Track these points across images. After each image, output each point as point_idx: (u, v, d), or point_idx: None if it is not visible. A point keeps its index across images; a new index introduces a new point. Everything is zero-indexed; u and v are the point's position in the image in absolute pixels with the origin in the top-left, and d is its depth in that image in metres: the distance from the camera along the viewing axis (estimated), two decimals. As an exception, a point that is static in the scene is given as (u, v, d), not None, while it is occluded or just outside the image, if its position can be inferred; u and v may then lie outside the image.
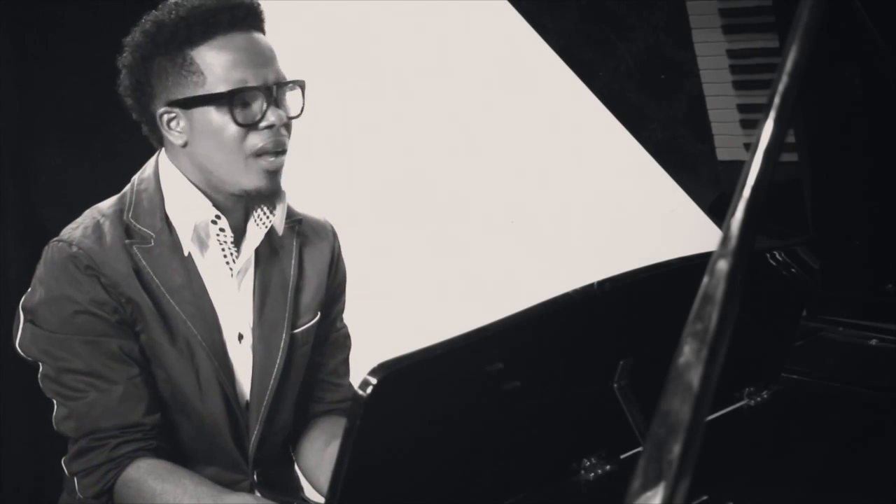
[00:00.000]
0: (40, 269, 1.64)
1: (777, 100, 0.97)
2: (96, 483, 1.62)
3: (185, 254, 1.63)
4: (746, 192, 0.94)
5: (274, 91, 1.59)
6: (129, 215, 1.64)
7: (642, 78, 1.85)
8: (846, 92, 1.66)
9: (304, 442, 1.85)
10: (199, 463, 1.70)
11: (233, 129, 1.57)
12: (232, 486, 1.70)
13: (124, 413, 1.61)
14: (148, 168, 1.69)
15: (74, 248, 1.60)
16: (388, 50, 2.96)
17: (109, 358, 1.60)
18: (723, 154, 1.87)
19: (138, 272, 1.61)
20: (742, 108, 1.80)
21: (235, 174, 1.60)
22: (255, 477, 1.73)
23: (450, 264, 2.94)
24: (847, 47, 1.53)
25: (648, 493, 0.83)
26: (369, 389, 1.06)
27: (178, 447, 1.70)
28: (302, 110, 1.64)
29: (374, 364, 1.09)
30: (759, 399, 1.62)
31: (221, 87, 1.56)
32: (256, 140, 1.58)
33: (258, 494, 1.68)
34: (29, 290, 1.65)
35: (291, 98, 1.63)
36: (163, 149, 1.69)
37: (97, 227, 1.63)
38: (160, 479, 1.60)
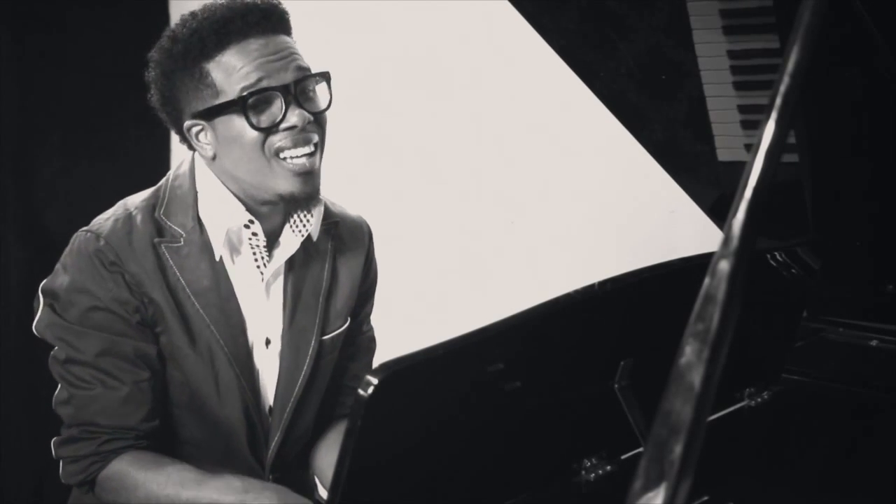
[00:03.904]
0: (66, 257, 1.63)
1: (778, 101, 0.98)
2: (79, 472, 1.63)
3: (217, 258, 1.62)
4: (748, 192, 0.94)
5: (293, 89, 1.55)
6: (161, 212, 1.63)
7: (643, 78, 1.85)
8: (847, 93, 1.66)
9: (320, 444, 1.84)
10: (214, 464, 1.69)
11: (252, 133, 1.54)
12: None
13: (123, 415, 1.61)
14: (184, 164, 1.68)
15: (102, 242, 1.59)
16: (385, 50, 2.96)
17: (121, 358, 1.60)
18: (723, 155, 1.87)
19: (164, 272, 1.60)
20: (743, 109, 1.80)
21: (265, 179, 1.57)
22: (270, 481, 1.72)
23: (449, 264, 2.94)
24: (848, 48, 1.53)
25: (650, 494, 0.83)
26: (370, 389, 1.06)
27: (192, 447, 1.70)
28: (330, 102, 1.60)
29: (375, 364, 1.09)
30: (759, 400, 1.62)
31: (235, 92, 1.53)
32: (276, 141, 1.55)
33: (245, 477, 1.66)
34: (52, 274, 1.64)
35: (318, 92, 1.60)
36: None
37: (128, 219, 1.62)
38: (143, 469, 1.60)
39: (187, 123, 1.58)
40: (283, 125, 1.54)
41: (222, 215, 1.62)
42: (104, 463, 1.62)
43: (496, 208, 2.85)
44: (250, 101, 1.53)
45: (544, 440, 1.34)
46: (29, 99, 3.05)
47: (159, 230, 1.62)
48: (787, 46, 1.00)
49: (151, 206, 1.63)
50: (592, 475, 1.38)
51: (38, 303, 1.64)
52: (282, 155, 1.56)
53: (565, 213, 2.76)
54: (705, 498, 1.35)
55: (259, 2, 1.57)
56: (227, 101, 1.54)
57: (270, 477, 1.73)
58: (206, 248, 1.62)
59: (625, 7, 1.77)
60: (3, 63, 2.98)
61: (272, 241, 1.66)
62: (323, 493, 1.86)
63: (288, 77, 1.55)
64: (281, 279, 1.70)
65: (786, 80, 0.98)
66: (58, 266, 1.64)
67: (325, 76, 1.59)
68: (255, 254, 1.65)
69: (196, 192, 1.63)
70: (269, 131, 1.54)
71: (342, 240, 1.78)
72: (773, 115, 0.97)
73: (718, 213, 1.95)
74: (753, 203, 0.94)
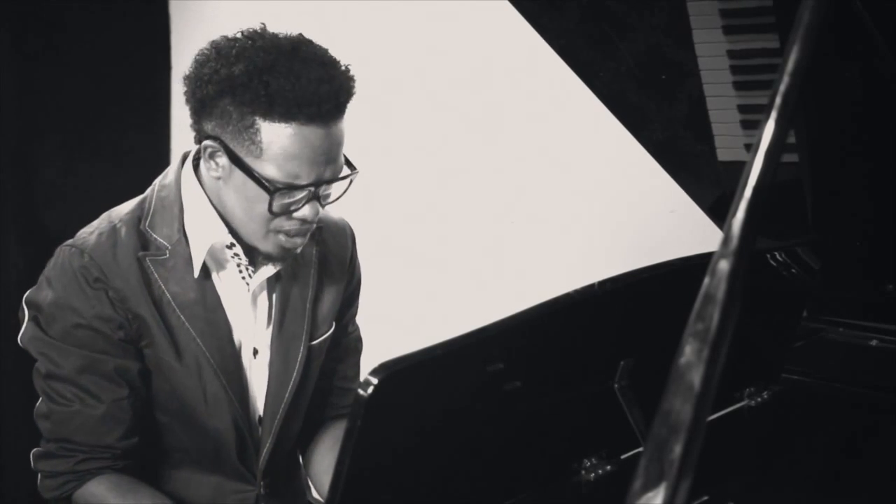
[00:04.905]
0: (50, 271, 1.61)
1: (778, 100, 0.98)
2: (55, 489, 1.63)
3: (196, 274, 1.60)
4: (748, 192, 0.94)
5: (322, 188, 1.53)
6: (146, 224, 1.60)
7: (643, 78, 1.85)
8: (847, 92, 1.66)
9: (314, 447, 1.84)
10: (204, 471, 1.69)
11: (264, 210, 1.51)
12: (236, 495, 1.71)
13: (101, 433, 1.60)
14: (170, 174, 1.65)
15: (86, 258, 1.57)
16: (385, 49, 2.96)
17: (101, 377, 1.59)
18: (723, 155, 1.87)
19: (149, 285, 1.58)
20: (743, 109, 1.80)
21: (253, 239, 1.58)
22: (261, 489, 1.73)
23: (449, 264, 2.94)
24: (847, 47, 1.53)
25: (650, 494, 0.83)
26: (370, 389, 1.06)
27: (182, 455, 1.70)
28: (341, 195, 1.59)
29: (375, 364, 1.09)
30: (759, 399, 1.62)
31: (273, 173, 1.48)
32: (283, 224, 1.54)
33: None
34: (35, 286, 1.63)
35: (336, 186, 1.58)
36: (188, 158, 1.64)
37: (113, 233, 1.60)
38: (121, 496, 1.60)
39: (208, 143, 1.53)
40: (297, 215, 1.53)
41: (205, 231, 1.60)
42: (79, 483, 1.62)
43: (496, 208, 2.85)
44: (281, 189, 1.50)
45: (544, 440, 1.34)
46: (29, 99, 3.05)
47: (144, 243, 1.59)
48: (787, 46, 1.00)
49: (136, 219, 1.61)
50: (592, 475, 1.38)
51: (23, 314, 1.64)
52: (281, 235, 1.56)
53: (565, 213, 2.76)
54: (705, 498, 1.35)
55: (341, 88, 1.50)
56: (260, 176, 1.49)
57: (262, 483, 1.72)
58: (192, 260, 1.60)
59: (625, 7, 1.77)
60: (3, 63, 2.98)
61: (255, 253, 1.64)
62: (316, 495, 1.86)
63: (325, 176, 1.52)
64: (266, 289, 1.69)
65: (786, 79, 0.98)
66: (41, 279, 1.62)
67: (353, 177, 1.57)
68: (238, 266, 1.64)
69: (182, 204, 1.61)
70: (279, 214, 1.53)
71: (326, 244, 1.76)
72: (773, 115, 0.97)
73: (718, 213, 1.95)
74: (753, 203, 0.94)
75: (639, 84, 1.87)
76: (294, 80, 1.46)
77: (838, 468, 1.54)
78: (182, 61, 3.37)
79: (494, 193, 2.85)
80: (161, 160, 3.34)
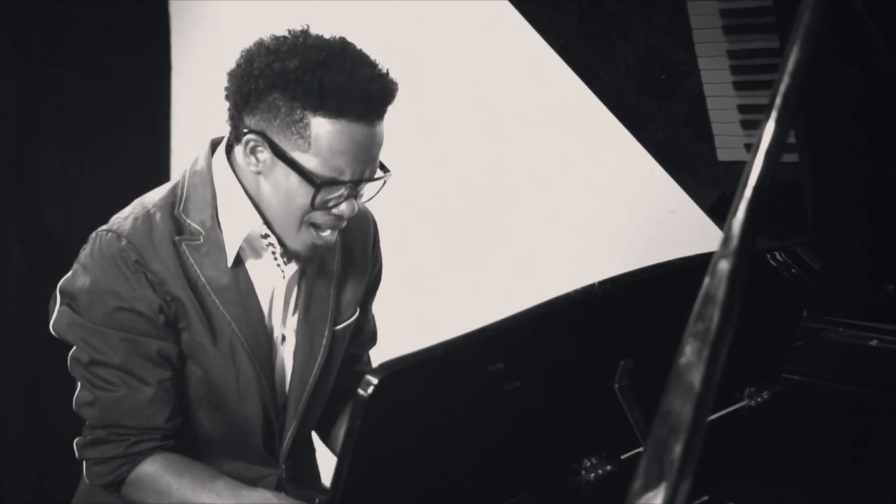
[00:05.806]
0: (86, 258, 1.61)
1: (778, 100, 0.98)
2: (108, 474, 1.63)
3: (231, 262, 1.61)
4: (748, 192, 0.95)
5: (361, 186, 1.58)
6: (180, 209, 1.62)
7: (643, 78, 1.85)
8: (847, 92, 1.66)
9: (339, 428, 1.86)
10: (228, 457, 1.70)
11: (304, 203, 1.55)
12: (259, 480, 1.71)
13: (150, 415, 1.61)
14: (200, 161, 1.65)
15: (124, 242, 1.58)
16: (385, 49, 2.96)
17: (146, 359, 1.60)
18: (723, 155, 1.87)
19: (185, 269, 1.59)
20: (743, 109, 1.80)
21: (286, 233, 1.60)
22: (283, 472, 1.74)
23: (449, 264, 2.94)
24: (847, 47, 1.54)
25: (650, 494, 0.83)
26: (370, 389, 1.07)
27: (207, 441, 1.70)
28: (374, 195, 1.63)
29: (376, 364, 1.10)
30: (759, 399, 1.62)
31: (318, 167, 1.52)
32: (319, 217, 1.58)
33: (280, 493, 1.67)
34: (70, 273, 1.63)
35: (370, 187, 1.62)
36: (221, 146, 1.65)
37: (147, 218, 1.61)
38: (177, 474, 1.61)
39: (250, 137, 1.55)
40: (335, 210, 1.57)
41: (240, 221, 1.61)
42: (133, 465, 1.62)
43: (496, 208, 2.85)
44: (326, 183, 1.53)
45: (544, 440, 1.34)
46: (29, 99, 3.05)
47: (179, 228, 1.61)
48: (787, 46, 1.00)
49: (170, 204, 1.62)
50: (592, 475, 1.38)
51: (54, 302, 1.64)
52: (315, 228, 1.59)
53: (565, 212, 2.76)
54: (705, 498, 1.35)
55: (388, 89, 1.55)
56: (306, 170, 1.52)
57: (283, 466, 1.74)
58: (225, 247, 1.62)
59: (625, 7, 1.77)
60: (3, 63, 2.99)
61: None
62: (327, 480, 1.87)
63: (365, 174, 1.56)
64: (297, 276, 1.70)
65: (786, 80, 0.98)
66: (76, 266, 1.63)
67: (388, 178, 1.62)
68: (273, 253, 1.65)
69: (214, 191, 1.62)
70: (319, 209, 1.56)
71: (349, 231, 1.77)
72: (773, 115, 0.97)
73: (718, 213, 1.95)
74: (753, 203, 0.94)
75: (639, 84, 1.87)
76: (347, 77, 1.51)
77: (838, 468, 1.54)
78: (182, 61, 3.39)
79: (494, 193, 2.85)
80: (161, 160, 3.34)
